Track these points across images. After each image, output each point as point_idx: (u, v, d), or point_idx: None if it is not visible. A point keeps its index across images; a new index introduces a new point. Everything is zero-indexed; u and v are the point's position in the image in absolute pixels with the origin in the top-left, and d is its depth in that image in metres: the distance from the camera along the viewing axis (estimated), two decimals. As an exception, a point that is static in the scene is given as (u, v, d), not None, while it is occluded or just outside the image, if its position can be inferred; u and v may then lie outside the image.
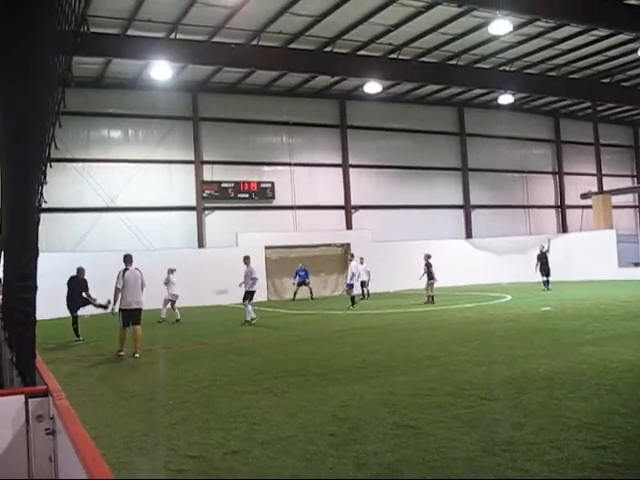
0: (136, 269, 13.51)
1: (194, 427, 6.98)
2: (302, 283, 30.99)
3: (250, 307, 19.50)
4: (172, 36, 24.82)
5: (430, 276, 24.70)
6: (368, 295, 29.22)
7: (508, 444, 5.78)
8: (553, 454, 5.45)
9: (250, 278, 19.86)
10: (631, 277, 31.21)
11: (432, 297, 24.32)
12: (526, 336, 13.32)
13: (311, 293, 30.84)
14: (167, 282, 21.90)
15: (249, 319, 19.29)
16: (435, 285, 24.91)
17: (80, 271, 16.83)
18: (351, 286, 24.46)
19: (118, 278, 13.25)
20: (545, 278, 28.68)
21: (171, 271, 22.19)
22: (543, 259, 29.27)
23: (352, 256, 25.49)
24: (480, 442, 5.87)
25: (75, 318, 16.44)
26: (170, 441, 6.46)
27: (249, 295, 19.77)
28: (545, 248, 29.47)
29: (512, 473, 5.05)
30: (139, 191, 30.10)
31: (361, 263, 28.06)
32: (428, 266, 24.84)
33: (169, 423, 7.22)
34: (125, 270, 13.40)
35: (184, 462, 5.74)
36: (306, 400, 8.10)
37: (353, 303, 23.53)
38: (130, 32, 24.42)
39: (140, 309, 13.41)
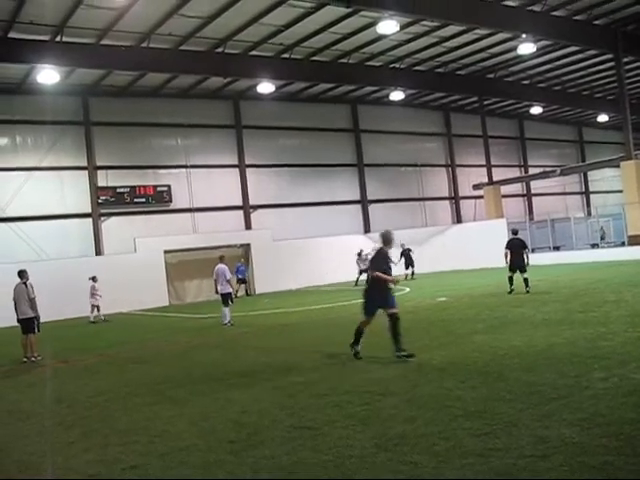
0: (23, 283, 14.57)
1: (92, 444, 6.92)
2: (242, 280, 31.66)
3: (227, 310, 18.42)
4: (57, 39, 24.11)
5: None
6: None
7: (400, 438, 6.04)
8: (441, 445, 5.74)
9: (225, 279, 18.56)
10: (521, 263, 32.57)
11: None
12: (422, 327, 13.78)
13: (247, 290, 32.74)
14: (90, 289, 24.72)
15: (226, 322, 18.37)
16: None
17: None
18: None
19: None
20: (409, 270, 32.03)
21: (91, 279, 24.81)
22: (406, 255, 32.39)
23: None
24: (374, 438, 6.11)
25: None
26: (67, 460, 6.39)
27: (226, 298, 18.54)
28: (406, 246, 32.52)
29: (403, 467, 5.29)
30: (30, 200, 29.08)
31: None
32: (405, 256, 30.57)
33: (67, 442, 7.12)
34: (17, 284, 14.64)
35: (83, 482, 5.72)
36: (207, 407, 8.16)
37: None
38: (12, 35, 23.55)
39: (26, 319, 14.42)
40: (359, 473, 5.26)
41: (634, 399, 6.56)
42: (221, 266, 18.81)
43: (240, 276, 31.80)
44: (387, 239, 11.01)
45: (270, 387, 9.05)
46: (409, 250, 32.18)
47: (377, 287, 10.65)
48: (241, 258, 32.93)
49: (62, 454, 6.66)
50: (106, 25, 23.94)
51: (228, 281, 18.74)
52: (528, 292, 18.81)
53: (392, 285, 10.68)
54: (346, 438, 6.22)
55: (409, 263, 31.96)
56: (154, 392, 9.54)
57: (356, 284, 30.39)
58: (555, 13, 27.42)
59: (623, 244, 33.28)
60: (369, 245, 32.65)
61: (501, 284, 21.80)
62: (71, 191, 30.44)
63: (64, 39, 24.18)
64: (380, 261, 10.84)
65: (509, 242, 20.09)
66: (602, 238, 35.70)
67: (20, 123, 29.60)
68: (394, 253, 29.91)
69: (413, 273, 31.94)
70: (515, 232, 20.51)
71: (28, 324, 14.44)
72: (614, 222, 36.19)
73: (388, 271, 10.70)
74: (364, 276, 30.16)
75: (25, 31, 23.41)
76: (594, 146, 52.74)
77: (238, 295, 30.92)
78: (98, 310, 24.60)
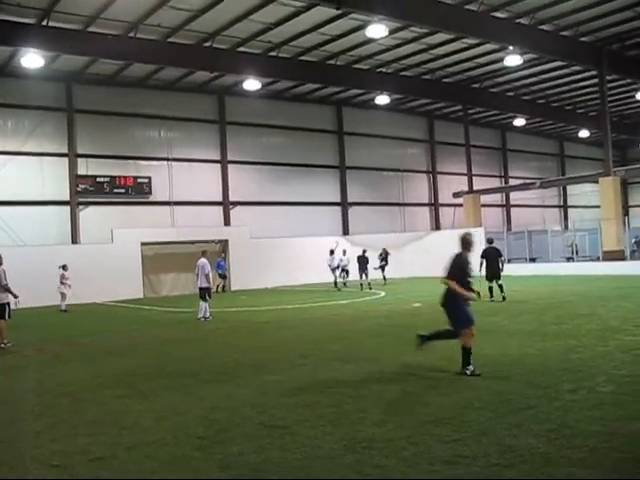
0: None
1: (60, 434, 6.86)
2: (223, 276, 31.54)
3: (204, 304, 18.55)
4: (44, 23, 23.87)
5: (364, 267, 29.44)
6: (344, 282, 30.94)
7: (369, 441, 6.05)
8: (409, 449, 5.76)
9: (203, 274, 18.68)
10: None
11: (369, 284, 29.00)
12: (396, 333, 13.82)
13: (223, 287, 32.15)
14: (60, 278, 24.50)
15: (200, 316, 18.53)
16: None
17: None
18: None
19: None
20: (383, 274, 31.49)
21: (62, 267, 24.53)
22: (384, 258, 31.86)
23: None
24: (342, 440, 6.12)
25: None
26: (34, 450, 6.33)
27: (203, 292, 18.64)
28: (387, 250, 32.22)
29: (370, 470, 5.32)
30: (9, 184, 28.76)
31: (344, 254, 31.03)
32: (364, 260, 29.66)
33: (34, 431, 7.06)
34: None
35: (46, 472, 5.67)
36: (177, 402, 8.13)
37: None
38: (-4, 16, 23.32)
39: (1, 304, 14.17)
40: (326, 474, 5.27)
41: (600, 412, 6.64)
42: (202, 260, 18.92)
43: (220, 271, 31.63)
44: (467, 242, 9.60)
45: (242, 384, 9.04)
46: (387, 254, 31.92)
47: (454, 296, 9.22)
48: (221, 253, 32.86)
49: (29, 443, 6.60)
50: (94, 12, 23.75)
51: (206, 275, 18.73)
52: (504, 299, 19.29)
53: (469, 300, 9.17)
54: (315, 438, 6.23)
55: (382, 266, 31.65)
56: (125, 384, 9.48)
57: (336, 285, 30.25)
58: (542, 27, 27.69)
59: (598, 259, 33.65)
60: (347, 247, 32.75)
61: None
62: (50, 178, 30.15)
63: (50, 24, 23.94)
64: (456, 268, 9.32)
65: (485, 251, 20.34)
66: (575, 252, 36.11)
67: (1, 106, 29.23)
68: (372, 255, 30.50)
69: (384, 278, 31.53)
70: (490, 241, 20.89)
71: (1, 310, 14.21)
72: (590, 237, 36.58)
73: (464, 280, 9.18)
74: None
75: (11, 13, 23.11)
76: (574, 161, 53.29)
77: (219, 290, 30.79)
78: (64, 299, 24.46)
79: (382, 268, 31.45)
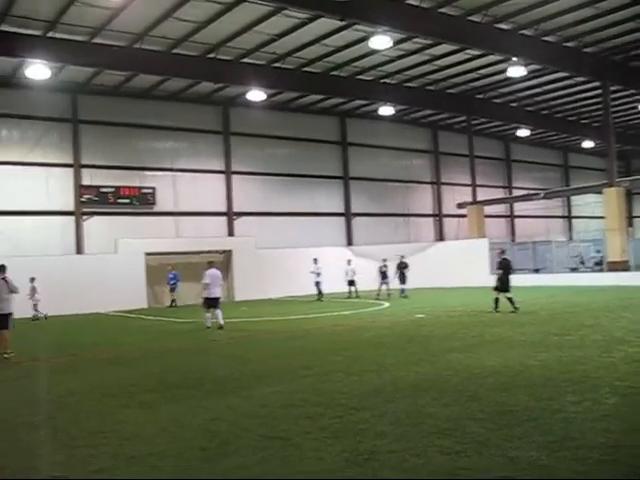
0: (3, 278, 14.07)
1: (60, 445, 6.84)
2: (173, 289, 30.91)
3: (208, 314, 18.94)
4: (50, 35, 24.04)
5: (384, 277, 29.91)
6: (357, 294, 30.53)
7: (371, 453, 6.02)
8: (411, 461, 5.73)
9: (218, 283, 19.27)
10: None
11: (378, 294, 29.32)
12: (399, 344, 13.79)
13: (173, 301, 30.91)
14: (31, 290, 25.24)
15: (208, 325, 18.80)
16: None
17: None
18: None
19: None
20: (402, 286, 30.04)
21: (32, 279, 25.09)
22: (402, 268, 30.58)
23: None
24: (344, 452, 6.08)
25: None
26: (32, 461, 6.32)
27: (216, 301, 18.99)
28: (404, 258, 31.17)
29: (371, 482, 5.31)
30: (14, 195, 28.93)
31: (348, 264, 30.99)
32: (384, 268, 30.04)
33: (33, 442, 7.05)
34: None
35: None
36: (179, 413, 8.10)
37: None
38: (3, 27, 23.42)
39: (2, 315, 14.01)
40: (327, 486, 5.26)
41: (604, 424, 6.59)
42: (215, 271, 19.27)
43: (173, 285, 30.72)
44: None
45: (244, 396, 9.00)
46: (405, 266, 30.51)
47: None
48: (171, 267, 31.20)
49: (29, 455, 6.59)
50: (100, 24, 23.90)
51: (221, 285, 19.54)
52: (517, 308, 19.25)
53: None
54: (317, 450, 6.20)
55: (402, 277, 30.18)
56: (127, 395, 9.45)
57: (319, 297, 29.82)
58: (546, 38, 27.74)
59: (602, 270, 33.58)
60: (350, 257, 32.70)
61: (480, 303, 21.95)
62: (55, 188, 30.27)
63: (57, 35, 24.11)
64: None
65: (503, 261, 20.34)
66: (582, 263, 36.09)
67: (7, 117, 29.45)
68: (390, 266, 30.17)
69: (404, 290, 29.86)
70: (503, 252, 20.97)
71: (3, 320, 14.10)
72: (594, 247, 36.55)
73: None
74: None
75: (18, 25, 23.34)
76: (578, 171, 53.27)
77: (173, 305, 30.35)
78: (36, 308, 25.56)
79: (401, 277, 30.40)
